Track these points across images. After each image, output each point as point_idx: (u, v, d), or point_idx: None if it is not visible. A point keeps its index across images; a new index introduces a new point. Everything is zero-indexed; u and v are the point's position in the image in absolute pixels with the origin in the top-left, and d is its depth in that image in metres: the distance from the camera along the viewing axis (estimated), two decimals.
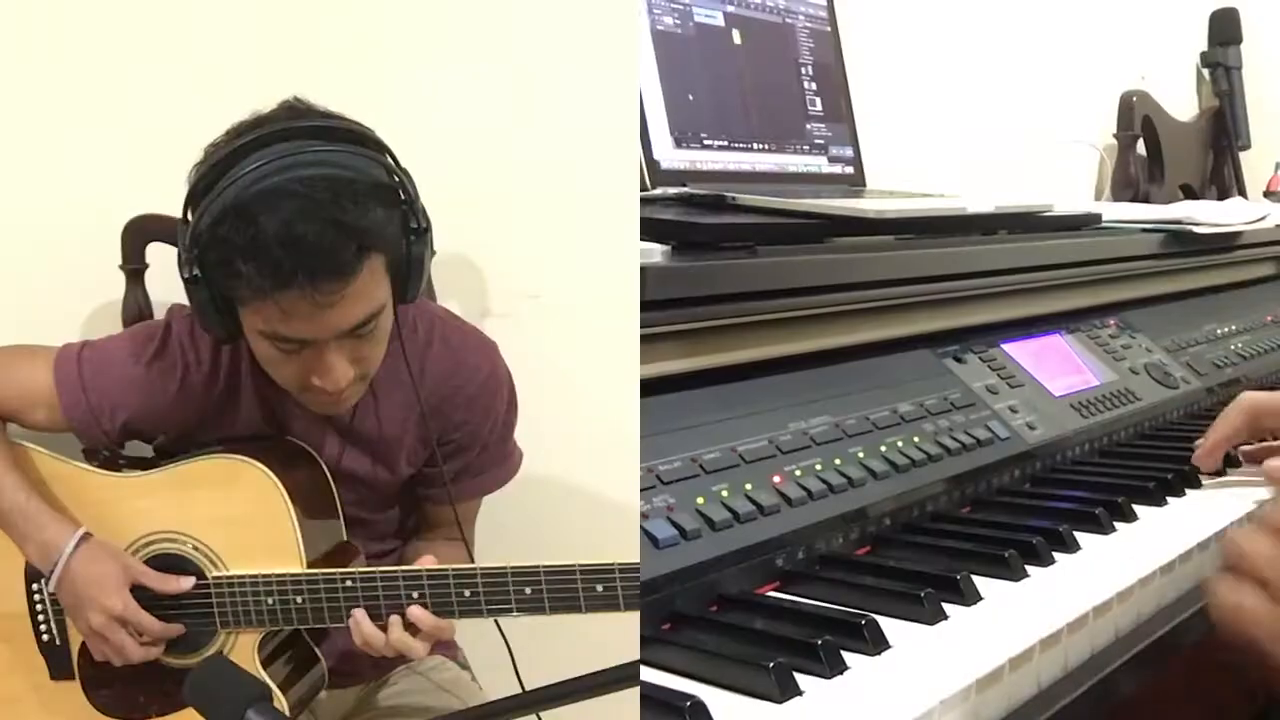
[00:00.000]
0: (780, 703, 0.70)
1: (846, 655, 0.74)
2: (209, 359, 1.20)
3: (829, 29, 1.49)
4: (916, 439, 1.04)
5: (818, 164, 1.44)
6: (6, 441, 1.20)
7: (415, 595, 1.12)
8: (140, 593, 1.15)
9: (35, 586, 1.21)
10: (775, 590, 0.88)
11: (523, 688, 1.16)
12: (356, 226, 1.03)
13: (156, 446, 1.29)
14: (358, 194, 1.04)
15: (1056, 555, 0.93)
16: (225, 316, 1.09)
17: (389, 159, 1.10)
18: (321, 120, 1.09)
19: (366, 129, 1.10)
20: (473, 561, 1.25)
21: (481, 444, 1.27)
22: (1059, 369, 1.28)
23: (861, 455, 0.99)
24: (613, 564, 1.07)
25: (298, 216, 1.01)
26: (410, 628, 1.13)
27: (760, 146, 1.36)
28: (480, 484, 1.30)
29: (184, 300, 1.13)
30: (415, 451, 1.26)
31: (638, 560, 0.81)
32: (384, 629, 1.13)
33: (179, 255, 1.08)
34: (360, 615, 1.12)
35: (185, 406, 1.20)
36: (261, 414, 1.22)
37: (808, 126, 1.44)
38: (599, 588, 1.08)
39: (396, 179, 1.09)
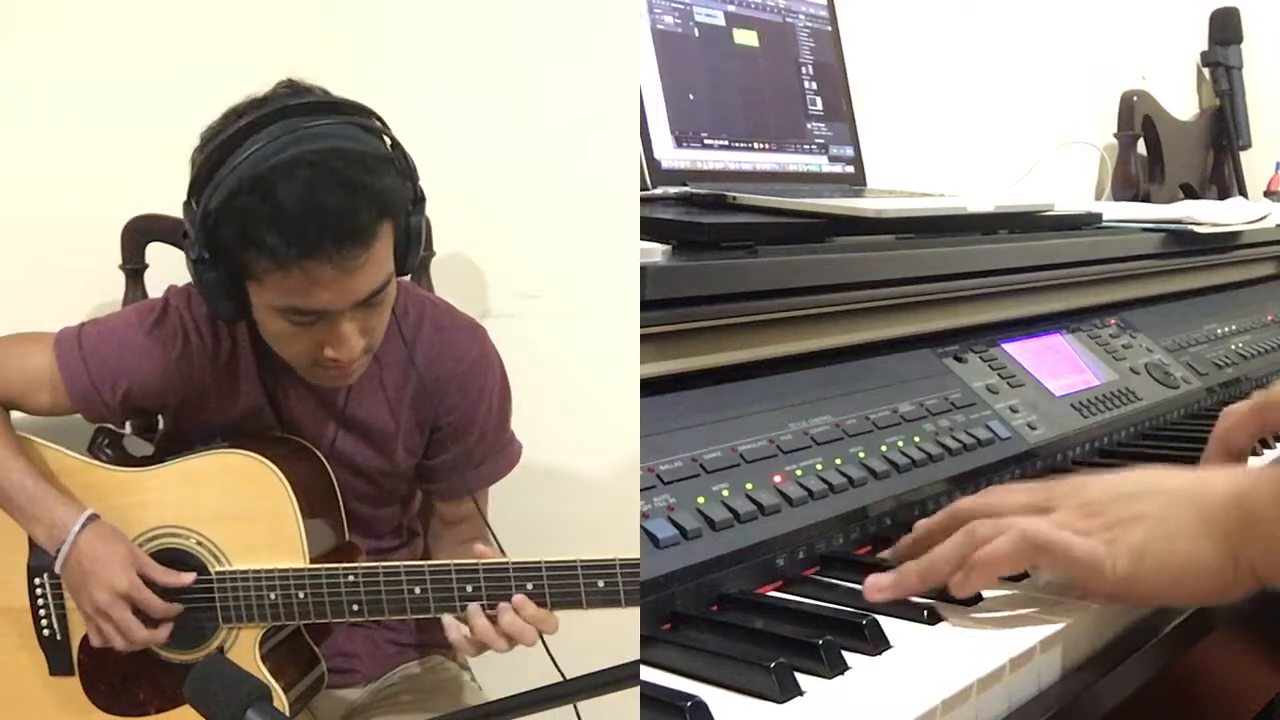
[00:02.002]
0: (781, 703, 0.70)
1: (847, 655, 0.74)
2: (209, 331, 1.20)
3: (829, 28, 1.49)
4: (917, 439, 1.04)
5: (818, 163, 1.44)
6: (11, 429, 1.21)
7: (418, 590, 1.12)
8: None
9: (38, 580, 1.22)
10: (776, 590, 0.88)
11: (562, 676, 1.14)
12: (375, 191, 1.05)
13: (158, 444, 1.30)
14: (369, 163, 1.06)
15: None
16: (234, 295, 1.10)
17: (385, 127, 1.12)
18: (322, 97, 1.10)
19: (364, 105, 1.12)
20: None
21: (479, 430, 1.27)
22: (1059, 369, 1.28)
23: (862, 455, 0.99)
24: (614, 559, 1.08)
25: (318, 184, 1.02)
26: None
27: (761, 146, 1.36)
28: (481, 474, 1.30)
29: None
30: (412, 437, 1.26)
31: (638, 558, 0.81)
32: (493, 619, 1.11)
33: (186, 237, 1.09)
34: (474, 610, 1.11)
35: (186, 376, 1.20)
36: (261, 392, 1.23)
37: (808, 126, 1.44)
38: (600, 583, 1.08)
39: (396, 151, 1.12)
